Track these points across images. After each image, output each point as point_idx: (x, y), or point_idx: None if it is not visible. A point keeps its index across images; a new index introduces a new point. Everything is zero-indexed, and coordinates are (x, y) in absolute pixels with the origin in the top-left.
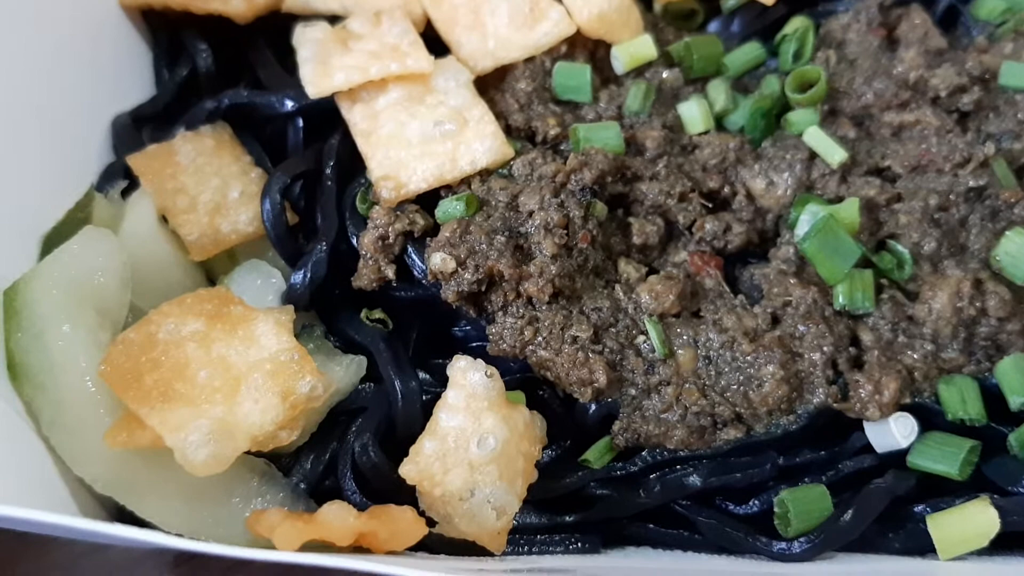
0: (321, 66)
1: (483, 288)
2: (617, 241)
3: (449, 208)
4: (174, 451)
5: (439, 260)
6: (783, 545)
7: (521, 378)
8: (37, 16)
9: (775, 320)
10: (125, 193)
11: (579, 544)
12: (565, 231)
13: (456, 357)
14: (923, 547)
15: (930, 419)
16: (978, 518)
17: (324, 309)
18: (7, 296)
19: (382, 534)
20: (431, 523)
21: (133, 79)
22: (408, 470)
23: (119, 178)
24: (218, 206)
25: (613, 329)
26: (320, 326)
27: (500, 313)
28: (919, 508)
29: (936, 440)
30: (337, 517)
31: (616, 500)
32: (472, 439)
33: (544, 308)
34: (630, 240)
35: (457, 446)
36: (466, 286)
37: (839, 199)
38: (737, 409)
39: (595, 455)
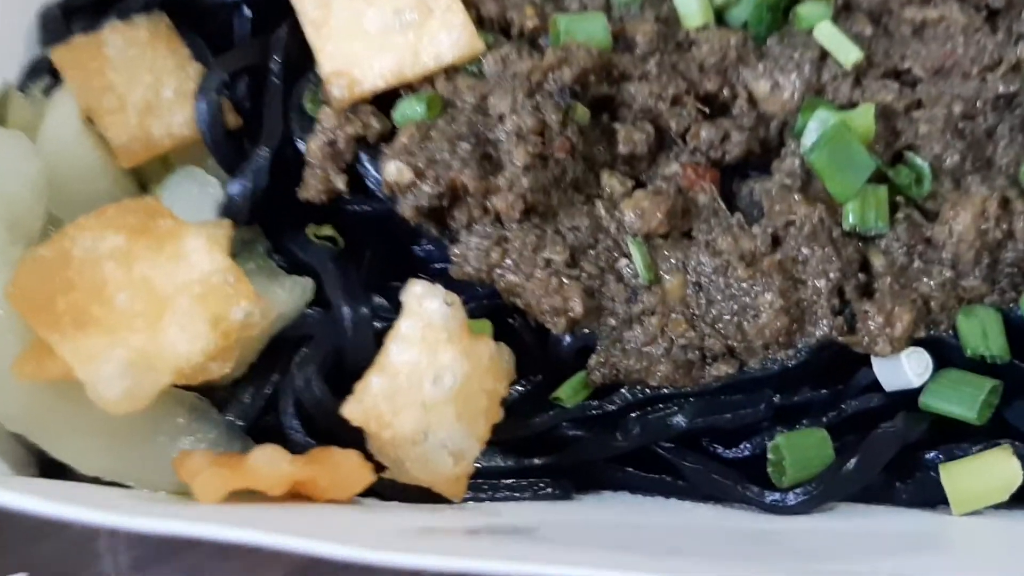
0: None
1: (446, 203)
2: (600, 151)
3: (408, 109)
4: (85, 385)
5: (395, 169)
6: (776, 496)
7: (488, 305)
8: None
9: (776, 242)
10: (51, 93)
11: (549, 489)
12: (540, 138)
13: (412, 281)
14: (934, 499)
15: (946, 355)
16: (998, 469)
17: (268, 224)
18: None
19: (322, 481)
20: (381, 468)
21: None
22: (352, 410)
23: (43, 75)
24: (150, 106)
25: (592, 251)
26: (264, 243)
27: (465, 232)
28: (931, 455)
29: (953, 379)
30: (268, 463)
31: (591, 442)
32: (427, 375)
33: (514, 226)
34: (615, 149)
35: (409, 383)
36: (426, 200)
37: (852, 105)
38: (729, 342)
39: (568, 392)
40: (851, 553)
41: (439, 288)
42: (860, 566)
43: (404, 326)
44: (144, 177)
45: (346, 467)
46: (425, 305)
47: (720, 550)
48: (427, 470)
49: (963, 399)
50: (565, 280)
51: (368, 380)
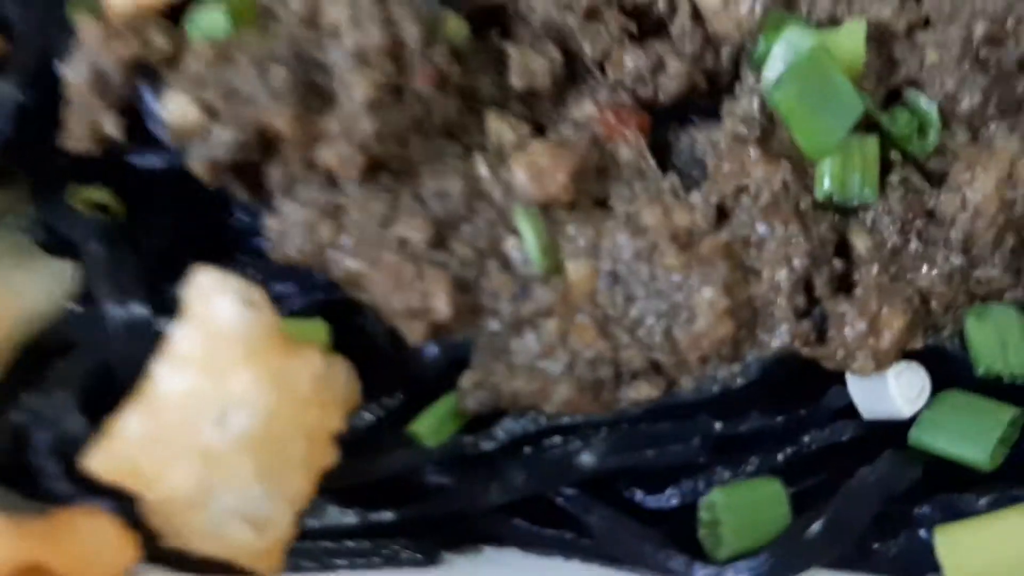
0: None
1: (257, 157)
2: (487, 84)
3: (206, 21)
4: None
5: (178, 107)
6: (710, 572)
7: (327, 300)
8: None
9: (722, 216)
10: None
11: (407, 552)
12: (393, 62)
13: (198, 270)
14: (924, 566)
15: (950, 372)
16: (1013, 535)
17: (33, 188)
18: None
19: (60, 561)
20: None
21: None
22: (99, 462)
23: None
24: None
25: (467, 227)
26: (27, 213)
27: (284, 197)
28: (924, 510)
29: (958, 405)
30: None
31: (460, 493)
32: (209, 412)
33: (353, 190)
34: (507, 82)
35: (183, 423)
36: (224, 151)
37: (835, 22)
38: (654, 355)
39: (430, 425)
40: None
41: (235, 281)
42: None
43: (180, 338)
44: None
45: (97, 539)
46: (213, 306)
47: None
48: (219, 543)
49: (971, 434)
50: (426, 267)
51: (124, 418)
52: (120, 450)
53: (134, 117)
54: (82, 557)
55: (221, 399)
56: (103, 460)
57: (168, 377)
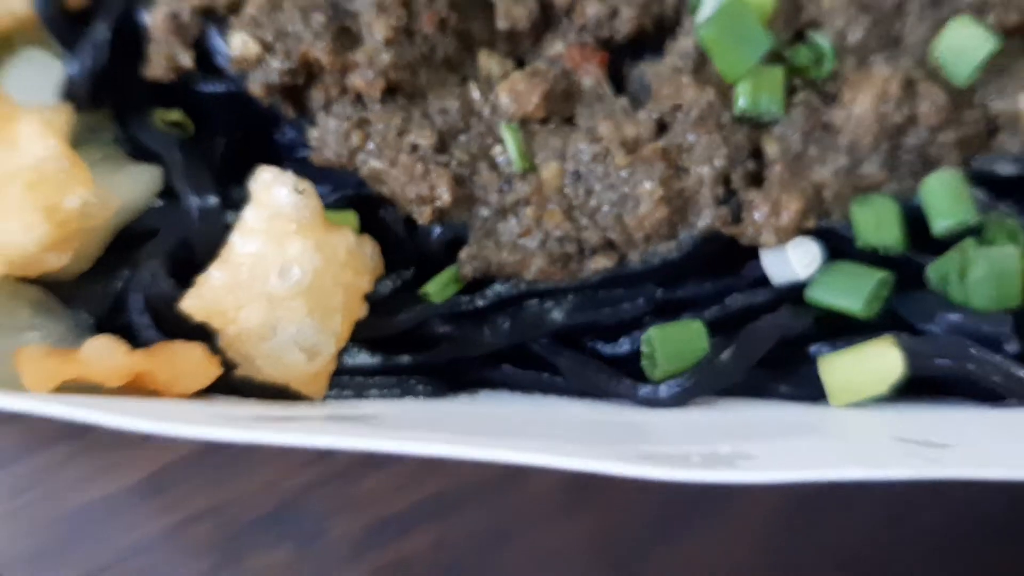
0: None
1: (301, 81)
2: (478, 27)
3: None
4: None
5: (240, 42)
6: (648, 389)
7: (356, 196)
8: None
9: (661, 128)
10: None
11: (420, 387)
12: (404, 9)
13: (260, 168)
14: (815, 395)
15: (838, 247)
16: (878, 359)
17: (113, 110)
18: None
19: (162, 375)
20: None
21: None
22: (192, 304)
23: None
24: None
25: (463, 136)
26: (112, 130)
27: (323, 113)
28: (814, 349)
29: (842, 270)
30: (102, 354)
31: (462, 339)
32: (272, 268)
33: (376, 107)
34: (494, 25)
35: (253, 276)
36: (276, 76)
37: None
38: (608, 234)
39: (437, 287)
40: (698, 437)
41: (289, 175)
42: (698, 447)
43: (249, 215)
44: None
45: (188, 360)
46: (273, 193)
47: (566, 434)
48: (279, 367)
49: (851, 291)
50: (432, 166)
51: (209, 273)
52: (207, 295)
53: (201, 52)
54: (178, 371)
55: (281, 258)
56: (195, 302)
57: (241, 243)
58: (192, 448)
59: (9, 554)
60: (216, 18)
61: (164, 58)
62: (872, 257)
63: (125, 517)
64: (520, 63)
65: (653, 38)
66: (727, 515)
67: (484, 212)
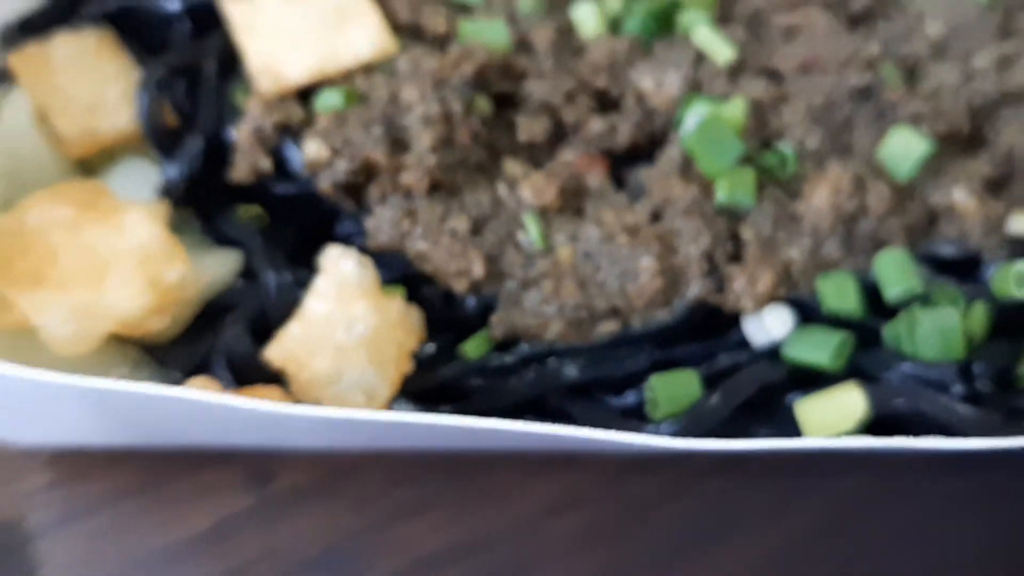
0: None
1: (360, 180)
2: (503, 140)
3: (327, 100)
4: (39, 330)
5: (314, 148)
6: (651, 427)
7: (402, 276)
8: None
9: (655, 217)
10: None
11: None
12: (445, 124)
13: (329, 246)
14: (792, 436)
15: (807, 314)
16: (845, 400)
17: (202, 206)
18: None
19: None
20: None
21: None
22: (273, 353)
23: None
24: (96, 105)
25: (493, 223)
26: (197, 223)
27: (379, 205)
28: (789, 397)
29: (810, 332)
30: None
31: (492, 391)
32: (340, 324)
33: (422, 200)
34: (517, 139)
35: (324, 331)
36: (341, 176)
37: (726, 97)
38: (614, 302)
39: (472, 346)
40: None
41: (353, 251)
42: None
43: (320, 282)
44: (93, 167)
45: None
46: (340, 265)
47: None
48: (343, 407)
49: (818, 348)
50: (468, 247)
51: (288, 327)
52: (286, 345)
53: (278, 161)
54: None
55: (347, 317)
56: (276, 351)
57: (315, 305)
58: (248, 502)
59: None
60: (291, 132)
61: (247, 164)
62: (836, 321)
63: (190, 562)
64: (538, 167)
65: (646, 148)
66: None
67: (511, 285)
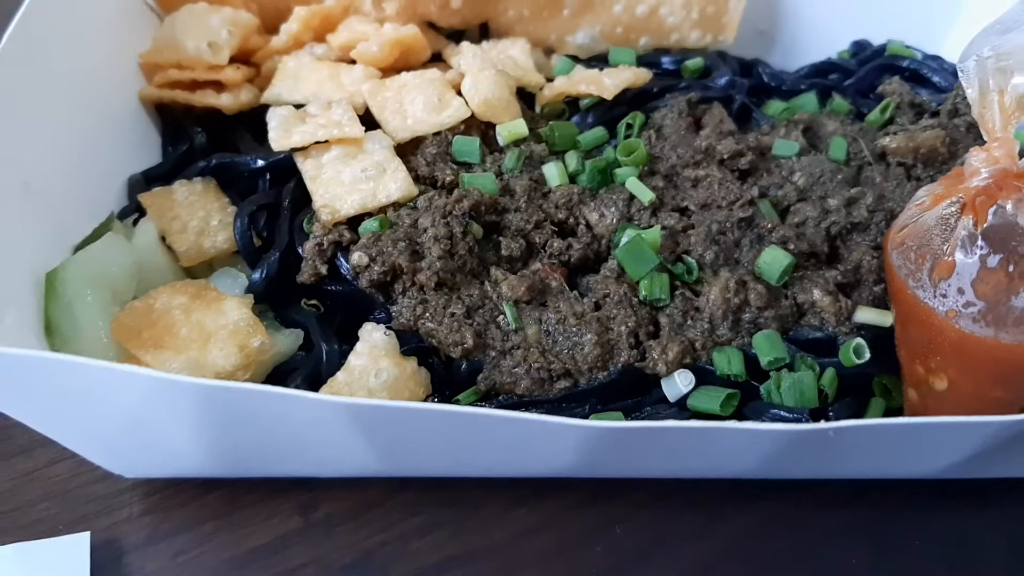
0: (284, 131)
1: (389, 279)
2: (491, 255)
3: (368, 225)
4: None
5: (357, 257)
6: None
7: (416, 348)
8: (84, 105)
9: (597, 307)
10: (138, 222)
11: None
12: (449, 242)
13: (366, 324)
14: None
15: (706, 377)
16: None
17: (276, 301)
18: (49, 276)
19: None
20: None
21: (146, 152)
22: (323, 393)
23: (132, 214)
24: (202, 230)
25: (481, 310)
26: (271, 312)
27: (401, 297)
28: None
29: (707, 389)
30: None
31: None
32: (371, 373)
33: (432, 293)
34: (500, 253)
35: (360, 378)
36: (376, 276)
37: (650, 227)
38: (567, 366)
39: (464, 398)
40: None
41: (382, 325)
42: None
43: (359, 346)
44: (198, 274)
45: None
46: (373, 334)
47: None
48: None
49: (713, 400)
50: (463, 325)
51: (336, 376)
52: (335, 388)
53: (332, 267)
54: None
55: (376, 369)
56: (326, 391)
57: (354, 360)
58: (298, 524)
59: None
60: (342, 248)
61: (311, 270)
62: (726, 382)
63: (252, 568)
64: (514, 272)
65: (592, 262)
66: None
67: (493, 353)
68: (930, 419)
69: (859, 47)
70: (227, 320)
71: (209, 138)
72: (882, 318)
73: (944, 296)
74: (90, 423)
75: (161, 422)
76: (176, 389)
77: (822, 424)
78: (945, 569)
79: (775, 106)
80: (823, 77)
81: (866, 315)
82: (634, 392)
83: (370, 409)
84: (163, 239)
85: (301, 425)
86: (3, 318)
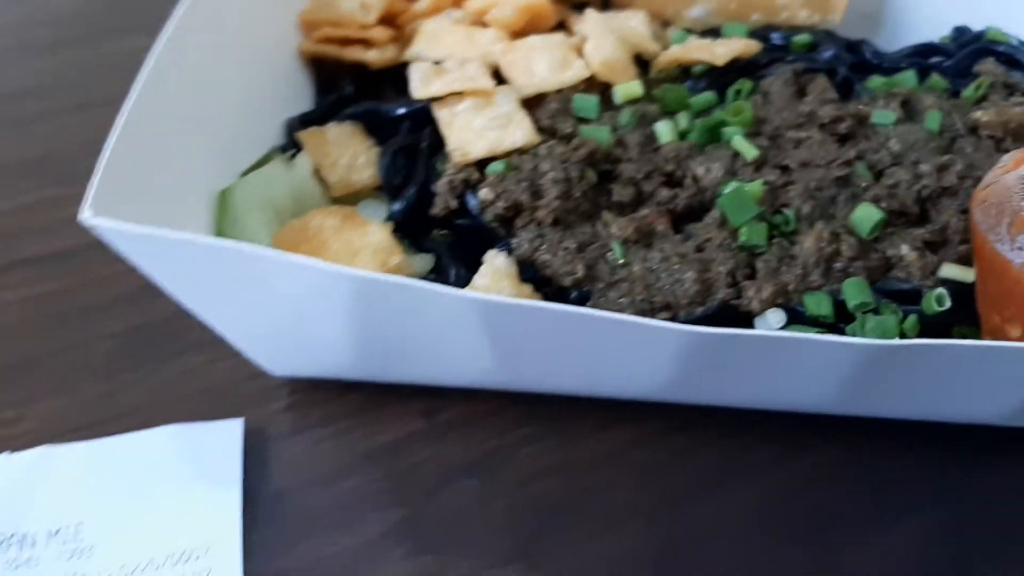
0: (424, 83)
1: (511, 215)
2: (603, 199)
3: (495, 167)
4: None
5: (485, 192)
6: None
7: (532, 279)
8: (251, 57)
9: (699, 250)
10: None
11: None
12: (567, 184)
13: (489, 251)
14: None
15: (796, 318)
16: None
17: (412, 231)
18: (222, 194)
19: None
20: None
21: (301, 99)
22: None
23: (290, 150)
24: (351, 165)
25: (592, 246)
26: (407, 239)
27: (521, 231)
28: None
29: (797, 328)
30: None
31: None
32: (493, 292)
33: (548, 229)
34: (611, 199)
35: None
36: (500, 210)
37: (751, 181)
38: (668, 300)
39: None
40: None
41: (504, 252)
42: None
43: (483, 268)
44: (346, 203)
45: None
46: (496, 259)
47: None
48: None
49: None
50: (575, 258)
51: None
52: None
53: (461, 203)
54: None
55: (497, 289)
56: None
57: (479, 280)
58: (421, 426)
59: (315, 473)
60: (471, 186)
61: (442, 203)
62: (814, 322)
63: (379, 461)
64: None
65: (697, 212)
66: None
67: (600, 285)
68: (1010, 343)
69: (960, 32)
70: (371, 240)
71: (356, 89)
72: (965, 274)
73: (1021, 249)
74: (254, 316)
75: (317, 318)
76: (338, 279)
77: (908, 340)
78: (1014, 514)
79: (876, 80)
80: (923, 58)
81: (950, 271)
82: (727, 326)
83: (499, 307)
84: (316, 172)
85: (436, 325)
86: (184, 227)
